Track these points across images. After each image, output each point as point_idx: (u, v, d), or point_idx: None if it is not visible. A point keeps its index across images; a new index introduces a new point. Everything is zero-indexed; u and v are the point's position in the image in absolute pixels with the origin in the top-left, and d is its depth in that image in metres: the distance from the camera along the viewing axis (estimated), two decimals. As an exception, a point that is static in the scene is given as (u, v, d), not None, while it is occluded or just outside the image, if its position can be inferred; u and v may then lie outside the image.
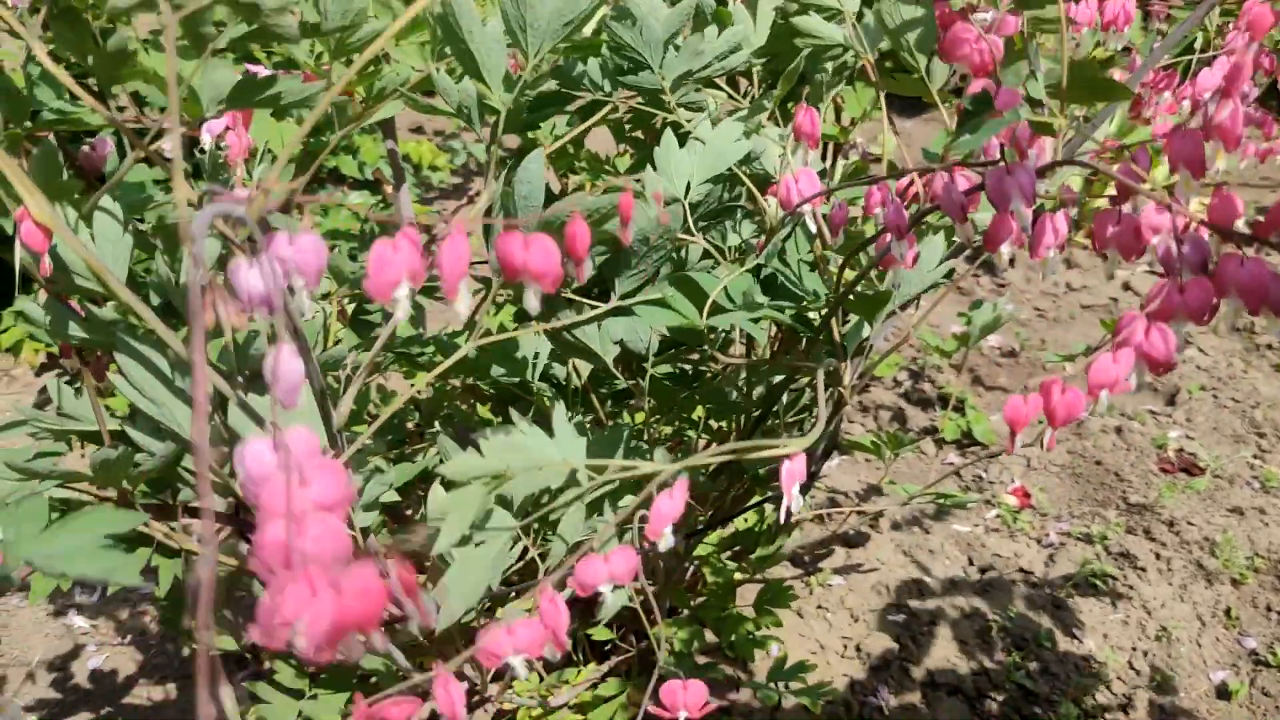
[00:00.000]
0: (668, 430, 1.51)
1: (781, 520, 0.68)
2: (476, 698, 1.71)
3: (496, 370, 1.23)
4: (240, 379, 0.93)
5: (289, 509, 0.46)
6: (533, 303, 0.59)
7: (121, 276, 0.87)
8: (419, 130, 3.88)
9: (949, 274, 1.18)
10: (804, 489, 1.55)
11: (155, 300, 0.92)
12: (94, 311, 0.88)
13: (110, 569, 0.63)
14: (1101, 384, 0.63)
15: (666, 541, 0.62)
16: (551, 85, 0.98)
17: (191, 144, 1.10)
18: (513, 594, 1.15)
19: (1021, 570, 1.98)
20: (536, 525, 0.95)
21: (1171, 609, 1.89)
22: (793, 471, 0.68)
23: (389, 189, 1.57)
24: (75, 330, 0.88)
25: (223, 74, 0.77)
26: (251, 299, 0.54)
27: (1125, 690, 1.71)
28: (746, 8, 1.24)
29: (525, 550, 0.91)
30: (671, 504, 0.61)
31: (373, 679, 1.34)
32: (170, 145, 0.73)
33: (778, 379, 1.27)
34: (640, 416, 1.58)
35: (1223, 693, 1.72)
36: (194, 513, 1.04)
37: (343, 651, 0.48)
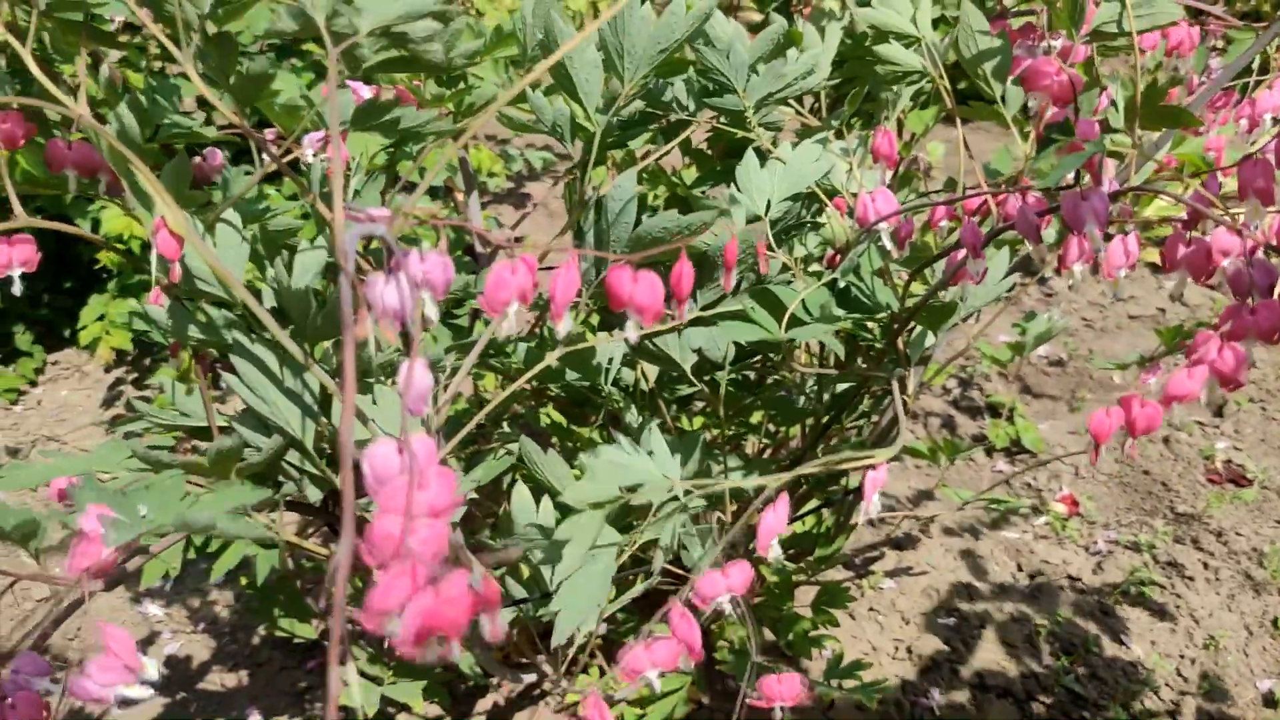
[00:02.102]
0: (728, 434, 1.56)
1: (861, 521, 0.72)
2: (538, 691, 1.77)
3: (571, 375, 1.28)
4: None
5: (406, 508, 0.51)
6: (633, 334, 0.64)
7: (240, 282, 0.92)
8: (474, 136, 3.94)
9: (1010, 288, 1.22)
10: (860, 492, 1.60)
11: (268, 304, 0.98)
12: (212, 315, 0.94)
13: (239, 530, 0.69)
14: (1177, 397, 0.67)
15: (774, 553, 0.67)
16: (639, 106, 1.03)
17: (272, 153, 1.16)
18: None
19: (1070, 577, 2.01)
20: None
21: (1219, 618, 1.91)
22: (876, 479, 0.72)
23: (459, 196, 1.62)
24: (194, 332, 0.94)
25: (346, 97, 0.83)
26: (385, 311, 0.59)
27: (1173, 697, 1.74)
28: (816, 30, 1.28)
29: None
30: (777, 518, 0.66)
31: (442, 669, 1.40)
32: (309, 157, 0.79)
33: (841, 387, 1.31)
34: (699, 421, 1.63)
35: (1270, 701, 1.74)
36: (292, 506, 1.10)
37: (422, 653, 0.52)
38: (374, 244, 1.29)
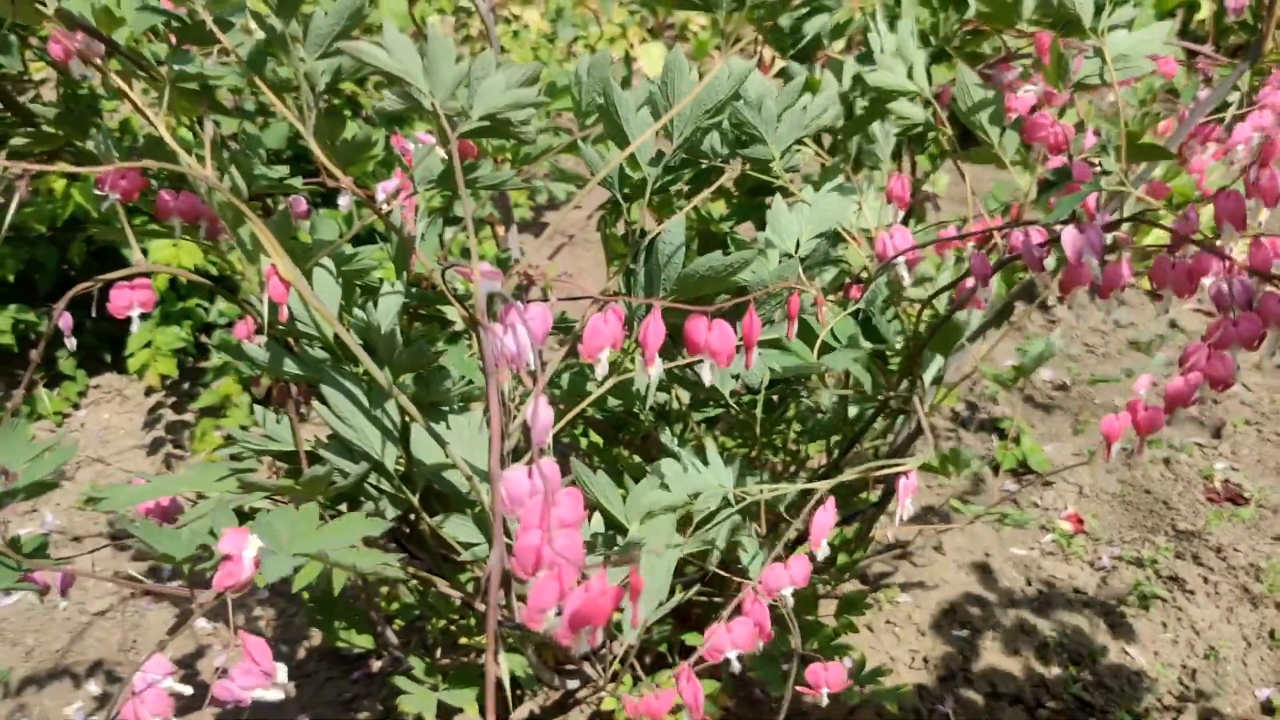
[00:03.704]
0: (753, 453, 1.66)
1: (898, 522, 0.82)
2: (572, 700, 1.86)
3: (612, 401, 1.38)
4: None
5: (544, 523, 0.61)
6: (708, 376, 0.74)
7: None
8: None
9: (1009, 312, 1.32)
10: (880, 506, 1.70)
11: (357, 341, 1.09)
12: (307, 350, 1.04)
13: (372, 567, 0.79)
14: (1176, 401, 0.78)
15: (823, 551, 0.77)
16: (681, 155, 1.14)
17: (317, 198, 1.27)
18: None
19: (1076, 590, 2.11)
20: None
21: (1219, 630, 2.01)
22: (909, 485, 0.83)
23: (500, 229, 1.73)
24: (289, 366, 1.04)
25: (434, 159, 0.94)
26: (505, 356, 0.70)
27: (1175, 704, 1.84)
28: (833, 74, 1.40)
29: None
30: (828, 516, 0.76)
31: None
32: (403, 218, 0.89)
33: (855, 409, 1.42)
34: (726, 440, 1.73)
35: (1268, 708, 1.84)
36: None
37: (577, 642, 0.63)
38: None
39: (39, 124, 2.20)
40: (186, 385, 2.69)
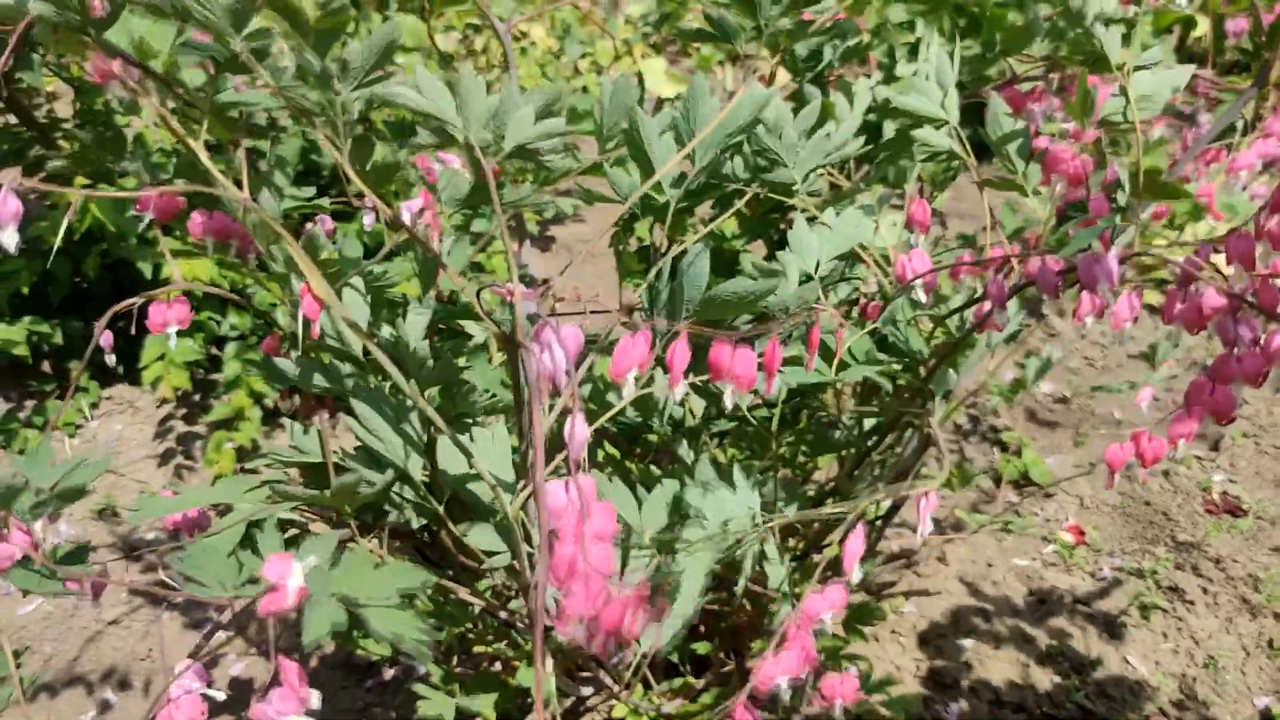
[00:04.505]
0: (764, 465, 1.69)
1: (921, 540, 0.85)
2: (583, 708, 1.89)
3: (631, 414, 1.41)
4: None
5: (578, 535, 0.64)
6: (729, 401, 0.78)
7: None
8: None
9: (1017, 331, 1.36)
10: (887, 518, 1.73)
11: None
12: (335, 364, 1.07)
13: (417, 635, 0.80)
14: (1179, 434, 0.81)
15: (856, 576, 0.80)
16: (702, 179, 1.18)
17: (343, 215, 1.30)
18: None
19: (1077, 600, 2.14)
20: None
21: (1218, 639, 2.04)
22: (929, 504, 0.86)
23: (514, 245, 1.77)
24: (319, 380, 1.07)
25: (461, 180, 0.97)
26: (542, 374, 0.73)
27: (1176, 713, 1.87)
28: (845, 99, 1.43)
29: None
30: (858, 543, 0.80)
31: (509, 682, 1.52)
32: (406, 218, 0.92)
33: (870, 422, 1.45)
34: (732, 452, 1.76)
35: (1267, 716, 1.87)
36: (395, 534, 1.23)
37: (613, 647, 0.66)
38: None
39: (54, 138, 2.23)
40: (198, 397, 2.72)
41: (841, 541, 0.81)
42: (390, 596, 0.82)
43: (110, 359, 1.02)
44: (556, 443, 0.90)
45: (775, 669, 0.79)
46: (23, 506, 0.90)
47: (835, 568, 0.83)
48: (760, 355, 0.86)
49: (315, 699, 0.86)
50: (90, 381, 2.68)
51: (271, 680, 0.82)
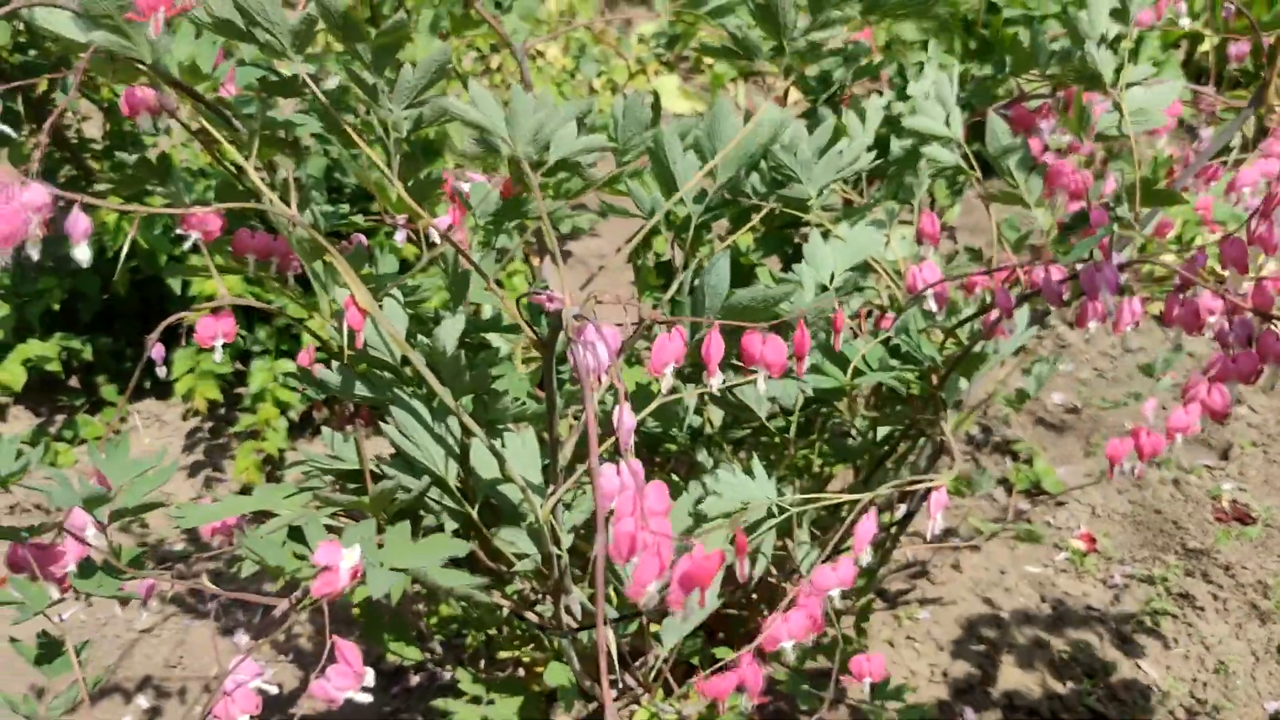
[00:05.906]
0: (781, 473, 1.74)
1: (930, 535, 0.90)
2: (595, 704, 1.93)
3: (650, 422, 1.46)
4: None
5: (635, 510, 0.69)
6: (762, 386, 0.82)
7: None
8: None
9: (1026, 341, 1.40)
10: (902, 525, 1.78)
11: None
12: (373, 373, 1.13)
13: (468, 590, 0.86)
14: (1177, 429, 0.85)
15: (866, 558, 0.85)
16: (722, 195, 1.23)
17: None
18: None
19: (1089, 607, 2.18)
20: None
21: (1228, 645, 2.07)
22: (939, 500, 0.90)
23: (535, 259, 1.82)
24: (360, 389, 1.12)
25: (493, 196, 1.02)
26: (587, 371, 0.78)
27: (1186, 717, 1.90)
28: (858, 117, 1.48)
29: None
30: (870, 525, 0.84)
31: (536, 686, 1.56)
32: (435, 236, 0.98)
33: (884, 430, 1.50)
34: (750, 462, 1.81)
35: (1277, 720, 1.90)
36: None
37: (684, 606, 0.70)
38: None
39: (84, 159, 2.28)
40: (224, 410, 2.78)
41: (853, 524, 0.85)
42: (438, 560, 0.88)
43: (162, 371, 1.07)
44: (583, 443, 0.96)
45: (782, 631, 0.83)
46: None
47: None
48: (792, 347, 0.91)
49: (370, 676, 0.91)
50: (118, 396, 2.74)
51: (326, 658, 0.86)
